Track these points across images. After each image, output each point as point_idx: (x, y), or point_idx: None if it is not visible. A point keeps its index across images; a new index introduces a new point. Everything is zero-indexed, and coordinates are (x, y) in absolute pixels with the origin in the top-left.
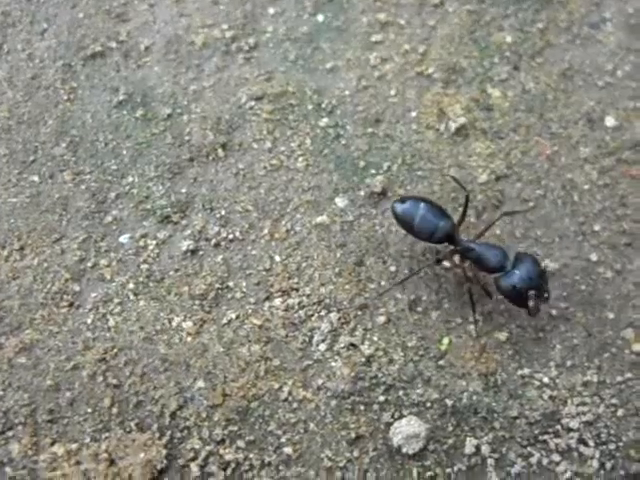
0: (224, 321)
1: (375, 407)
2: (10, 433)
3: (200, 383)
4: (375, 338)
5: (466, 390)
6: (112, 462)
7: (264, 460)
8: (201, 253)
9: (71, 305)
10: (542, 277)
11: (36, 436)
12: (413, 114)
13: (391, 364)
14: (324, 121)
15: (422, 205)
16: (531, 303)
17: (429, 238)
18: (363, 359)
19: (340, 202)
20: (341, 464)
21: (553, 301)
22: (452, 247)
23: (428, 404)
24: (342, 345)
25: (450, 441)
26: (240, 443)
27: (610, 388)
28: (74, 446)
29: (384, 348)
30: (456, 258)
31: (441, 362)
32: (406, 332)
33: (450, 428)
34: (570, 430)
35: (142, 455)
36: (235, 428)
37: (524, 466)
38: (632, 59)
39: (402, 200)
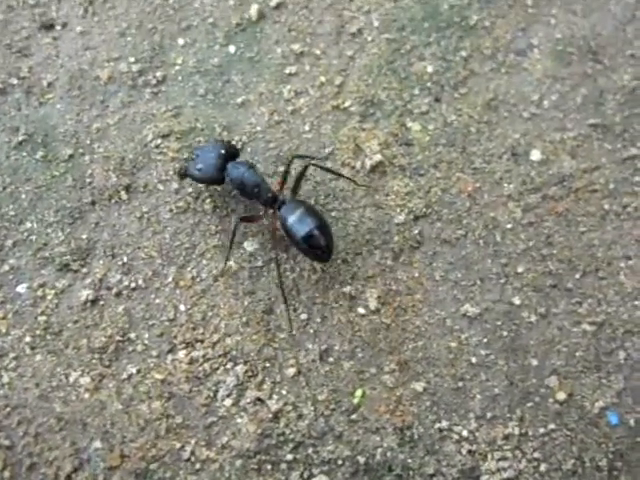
0: (124, 376)
1: (283, 466)
2: None
3: (97, 443)
4: (284, 392)
5: (380, 446)
6: None
7: None
8: (102, 303)
9: None
10: None
11: None
12: (328, 150)
13: (300, 419)
14: None
15: None
16: None
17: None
18: (270, 415)
19: (249, 246)
20: None
21: (473, 348)
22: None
23: (339, 462)
24: (248, 400)
25: None
26: None
27: (533, 441)
28: None
29: (293, 402)
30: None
31: (354, 416)
32: (317, 384)
33: None
34: None
35: None
36: None
37: None
38: (559, 88)
39: None
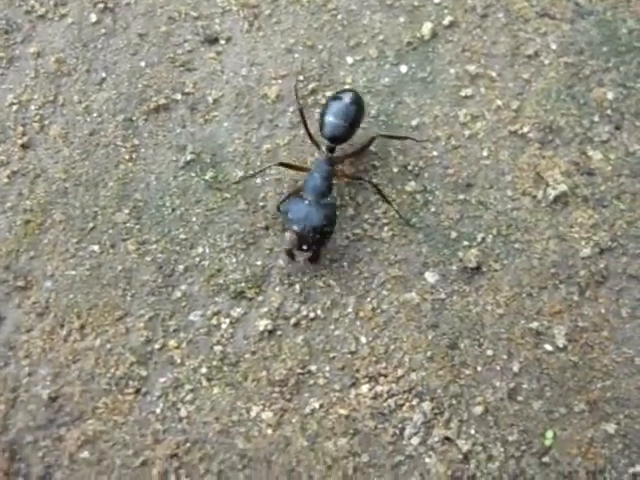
0: (307, 411)
1: None
2: None
3: None
4: (472, 431)
5: None
6: None
7: None
8: (279, 333)
9: (137, 392)
10: None
11: None
12: (508, 178)
13: (490, 461)
14: (411, 185)
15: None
16: None
17: None
18: (460, 455)
19: (430, 277)
20: None
21: None
22: None
23: None
24: (436, 439)
25: None
26: None
27: None
28: None
29: (482, 443)
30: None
31: (545, 459)
32: (506, 424)
33: None
34: None
35: None
36: None
37: None
38: None
39: None
